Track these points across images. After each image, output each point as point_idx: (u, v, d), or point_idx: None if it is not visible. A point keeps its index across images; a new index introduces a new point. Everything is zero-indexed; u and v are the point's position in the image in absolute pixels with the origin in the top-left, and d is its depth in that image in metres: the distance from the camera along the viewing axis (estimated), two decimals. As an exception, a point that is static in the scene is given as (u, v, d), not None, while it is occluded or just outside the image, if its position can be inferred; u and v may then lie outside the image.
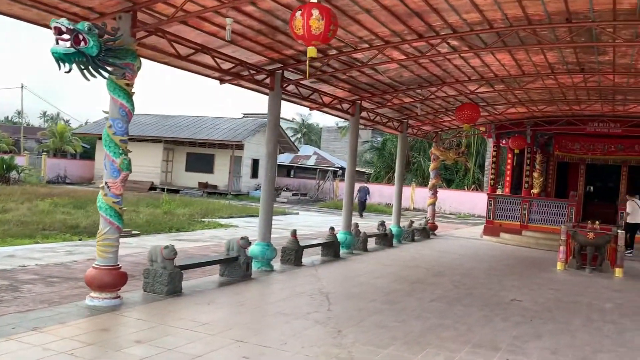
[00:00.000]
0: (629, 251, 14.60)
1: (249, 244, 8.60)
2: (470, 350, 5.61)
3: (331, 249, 11.46)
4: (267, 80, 9.53)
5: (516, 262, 12.93)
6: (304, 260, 10.57)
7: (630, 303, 8.79)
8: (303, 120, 67.93)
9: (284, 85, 9.79)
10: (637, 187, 20.95)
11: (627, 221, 14.41)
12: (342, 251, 12.18)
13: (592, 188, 22.23)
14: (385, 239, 14.30)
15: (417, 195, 37.92)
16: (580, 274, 11.61)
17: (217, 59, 8.47)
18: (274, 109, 9.50)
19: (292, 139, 65.54)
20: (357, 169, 50.97)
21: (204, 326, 5.83)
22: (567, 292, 9.38)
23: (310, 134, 70.39)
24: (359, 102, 12.44)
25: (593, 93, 12.73)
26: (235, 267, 8.48)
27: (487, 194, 18.82)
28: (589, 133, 17.23)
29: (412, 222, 16.27)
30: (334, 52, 9.13)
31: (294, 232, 10.36)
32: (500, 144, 19.97)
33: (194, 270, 8.75)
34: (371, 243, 14.10)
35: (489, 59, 9.95)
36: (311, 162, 48.66)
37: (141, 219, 16.05)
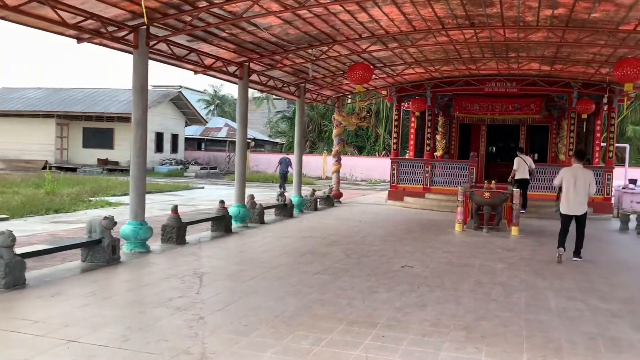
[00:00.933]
0: (522, 210, 14.82)
1: (114, 224, 7.58)
2: (344, 328, 5.02)
3: (221, 223, 10.62)
4: (131, 38, 8.41)
5: (415, 226, 12.69)
6: (190, 237, 9.71)
7: (522, 262, 8.65)
8: (215, 91, 65.51)
9: (151, 43, 8.69)
10: (536, 146, 21.67)
11: (516, 178, 14.59)
12: (235, 225, 11.41)
13: (494, 148, 22.69)
14: (285, 210, 13.64)
15: (329, 164, 37.63)
16: (478, 235, 11.53)
17: (60, 11, 7.25)
18: (140, 69, 8.39)
19: (204, 111, 63.19)
20: (271, 139, 50.04)
21: (34, 325, 4.88)
22: (460, 254, 9.13)
23: (224, 105, 68.20)
24: (247, 64, 11.52)
25: (487, 51, 12.52)
26: (100, 250, 7.47)
27: (391, 158, 18.61)
28: (487, 93, 17.27)
29: (314, 190, 15.72)
30: (204, 3, 8.13)
31: (174, 208, 9.41)
32: (403, 108, 19.80)
33: (53, 256, 7.68)
34: (271, 215, 13.45)
35: (376, 13, 9.32)
36: (222, 134, 47.09)
37: (16, 200, 14.42)
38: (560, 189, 9.04)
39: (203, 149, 46.36)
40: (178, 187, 22.65)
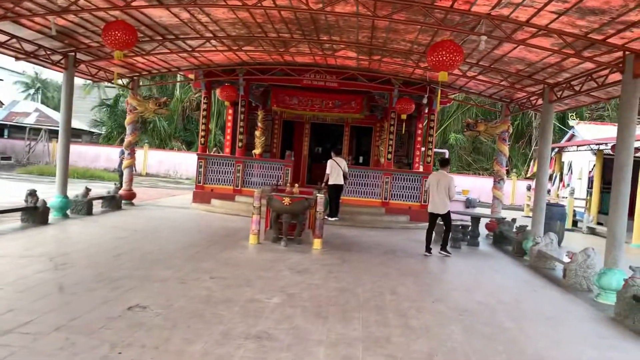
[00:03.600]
0: (335, 217, 13.21)
1: None
2: None
3: None
4: None
5: (204, 238, 10.26)
6: None
7: (307, 292, 6.59)
8: (36, 74, 57.37)
9: None
10: (362, 149, 20.54)
11: (329, 183, 12.93)
12: None
13: (320, 149, 21.19)
14: (35, 215, 10.33)
15: (150, 160, 34.07)
16: (273, 249, 9.42)
17: None
18: None
19: (22, 94, 55.07)
20: (85, 128, 44.63)
21: None
22: (232, 282, 6.83)
23: (47, 90, 60.11)
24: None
25: (294, 29, 10.48)
26: None
27: (197, 154, 16.03)
28: (306, 86, 15.51)
29: (87, 189, 12.50)
30: None
31: None
32: (220, 97, 17.31)
33: None
34: (16, 221, 10.17)
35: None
36: (31, 120, 40.78)
37: None
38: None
39: (6, 136, 39.80)
40: None
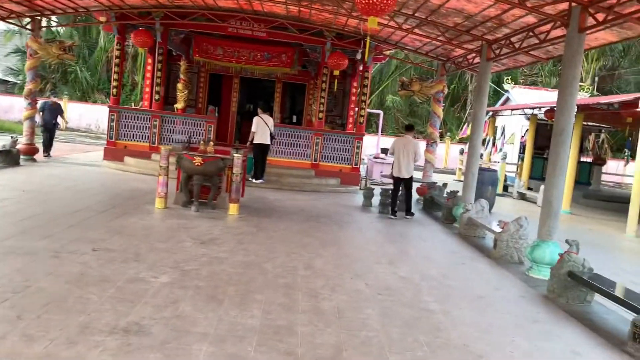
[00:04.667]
0: (260, 180, 12.28)
1: None
2: None
3: None
4: None
5: (102, 200, 9.06)
6: None
7: (207, 268, 5.64)
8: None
9: None
10: (297, 107, 19.48)
11: (254, 142, 11.94)
12: None
13: (251, 107, 19.98)
14: None
15: (70, 113, 31.64)
16: (182, 215, 8.40)
17: None
18: None
19: None
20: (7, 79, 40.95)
21: None
22: (119, 254, 5.77)
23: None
24: None
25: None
26: None
27: (109, 107, 14.50)
28: (232, 35, 14.22)
29: (-26, 143, 10.91)
30: None
31: None
32: (134, 43, 15.68)
33: None
34: None
35: None
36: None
37: None
38: None
39: None
40: None
